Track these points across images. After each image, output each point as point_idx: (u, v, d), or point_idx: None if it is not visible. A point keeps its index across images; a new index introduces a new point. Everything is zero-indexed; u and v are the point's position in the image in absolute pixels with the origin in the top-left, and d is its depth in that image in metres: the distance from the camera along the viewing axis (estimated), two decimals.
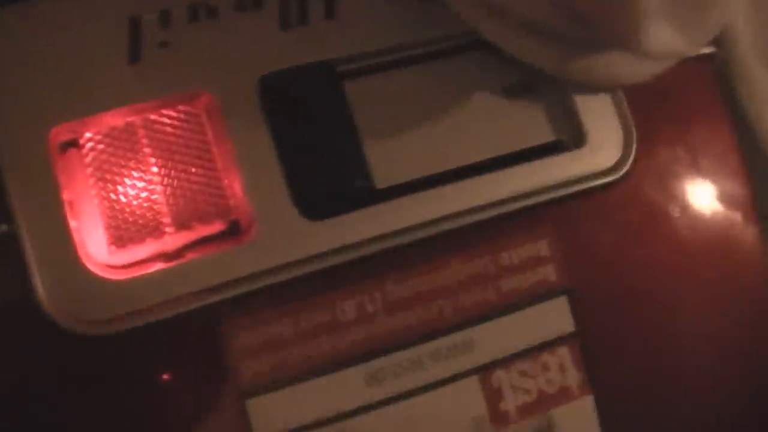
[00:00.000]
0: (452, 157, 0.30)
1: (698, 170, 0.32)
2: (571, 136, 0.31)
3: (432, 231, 0.29)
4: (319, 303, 0.28)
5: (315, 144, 0.28)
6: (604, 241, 0.31)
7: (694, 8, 0.27)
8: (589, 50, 0.29)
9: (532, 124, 0.31)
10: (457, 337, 0.29)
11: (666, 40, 0.27)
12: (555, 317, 0.30)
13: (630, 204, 0.31)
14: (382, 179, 0.29)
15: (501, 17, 0.29)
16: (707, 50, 0.33)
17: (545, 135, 0.31)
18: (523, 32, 0.29)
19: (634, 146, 0.31)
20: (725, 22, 0.29)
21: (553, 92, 0.31)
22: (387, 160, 0.29)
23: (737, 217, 0.32)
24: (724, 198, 0.32)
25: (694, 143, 0.32)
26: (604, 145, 0.31)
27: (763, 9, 0.35)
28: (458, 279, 0.29)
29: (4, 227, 0.27)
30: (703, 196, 0.32)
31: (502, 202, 0.29)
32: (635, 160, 0.31)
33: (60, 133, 0.27)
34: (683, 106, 0.33)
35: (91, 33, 0.28)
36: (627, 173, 0.31)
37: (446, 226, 0.29)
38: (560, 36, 0.29)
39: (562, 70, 0.30)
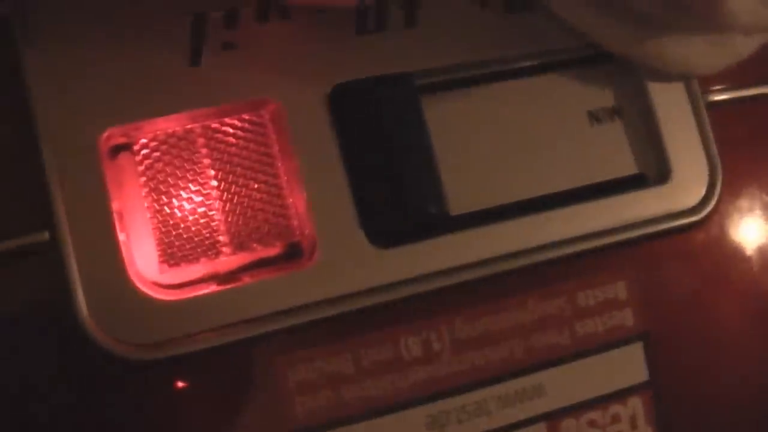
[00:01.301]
0: (531, 184, 0.28)
1: None
2: (655, 169, 0.29)
3: (506, 266, 0.27)
4: (382, 338, 0.26)
5: (388, 163, 0.26)
6: (683, 284, 0.28)
7: None
8: (662, 32, 0.27)
9: (615, 153, 0.29)
10: (526, 381, 0.27)
11: (751, 9, 0.25)
12: (629, 365, 0.28)
13: (712, 245, 0.29)
14: (455, 205, 0.27)
15: None
16: None
17: (629, 166, 0.29)
18: (597, 9, 0.27)
19: (720, 183, 0.29)
20: None
21: (639, 119, 0.29)
22: (461, 183, 0.27)
23: None
24: None
25: None
26: (688, 181, 0.29)
27: None
28: (532, 319, 0.27)
29: (45, 235, 0.24)
30: None
31: (581, 238, 0.27)
32: (720, 199, 0.29)
33: (113, 137, 0.25)
34: None
35: (152, 30, 0.25)
36: (711, 213, 0.29)
37: (522, 261, 0.27)
38: (633, 15, 0.27)
39: (634, 51, 0.28)
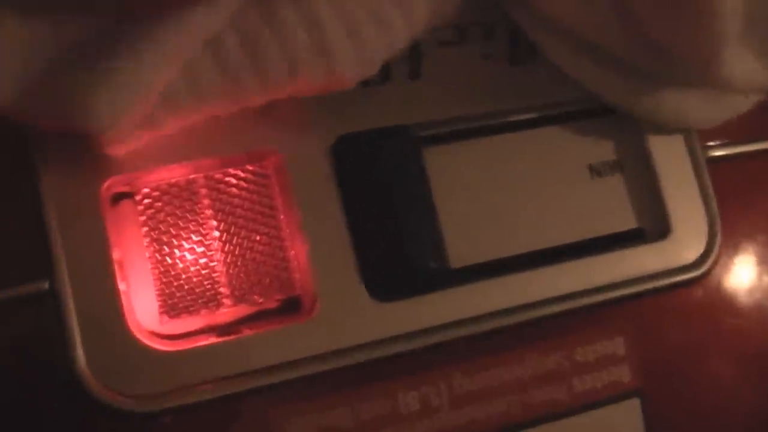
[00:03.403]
0: (531, 237, 0.28)
1: None
2: (654, 224, 0.29)
3: (505, 321, 0.27)
4: (380, 392, 0.26)
5: (389, 216, 0.26)
6: (681, 340, 0.29)
7: None
8: (659, 86, 0.27)
9: (615, 207, 0.29)
10: None
11: (747, 70, 0.25)
12: (625, 421, 0.28)
13: (711, 301, 0.29)
14: (455, 258, 0.27)
15: (573, 44, 0.27)
16: None
17: (629, 220, 0.29)
18: (595, 61, 0.27)
19: (719, 239, 0.29)
20: None
21: (639, 173, 0.29)
22: (462, 236, 0.27)
23: None
24: None
25: None
26: (687, 237, 0.29)
27: None
28: (530, 374, 0.27)
29: (44, 284, 0.24)
30: None
31: (580, 294, 0.27)
32: (719, 255, 0.29)
33: (115, 185, 0.25)
34: None
35: None
36: (710, 269, 0.29)
37: (520, 317, 0.27)
38: (632, 68, 0.27)
39: (630, 105, 0.28)
